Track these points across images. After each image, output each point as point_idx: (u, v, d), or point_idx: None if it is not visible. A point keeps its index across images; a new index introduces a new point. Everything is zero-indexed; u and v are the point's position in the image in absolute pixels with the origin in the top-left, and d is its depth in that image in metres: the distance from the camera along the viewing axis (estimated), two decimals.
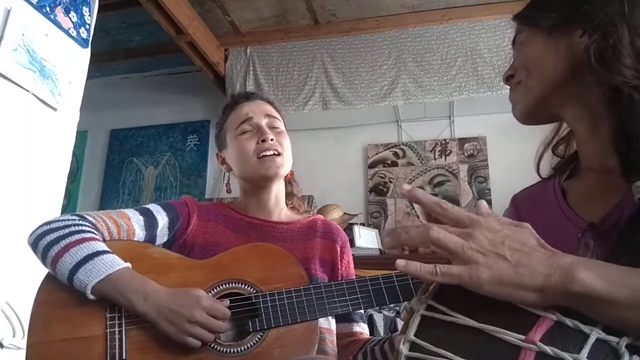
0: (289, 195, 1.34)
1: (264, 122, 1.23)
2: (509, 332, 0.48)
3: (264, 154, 1.18)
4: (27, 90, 1.82)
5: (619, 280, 0.48)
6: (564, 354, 0.45)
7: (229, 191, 1.31)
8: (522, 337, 0.47)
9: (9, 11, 1.77)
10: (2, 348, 1.65)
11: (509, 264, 0.51)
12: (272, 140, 1.20)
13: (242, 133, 1.22)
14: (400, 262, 0.53)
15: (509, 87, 0.85)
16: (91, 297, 0.96)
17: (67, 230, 1.01)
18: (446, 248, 0.53)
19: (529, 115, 0.81)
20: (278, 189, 1.27)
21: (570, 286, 0.48)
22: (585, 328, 0.47)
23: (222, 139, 1.28)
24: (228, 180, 1.31)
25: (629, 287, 0.48)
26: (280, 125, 1.27)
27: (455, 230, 0.54)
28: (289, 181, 1.35)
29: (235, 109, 1.27)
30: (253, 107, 1.25)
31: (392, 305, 2.31)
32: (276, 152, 1.20)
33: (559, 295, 0.49)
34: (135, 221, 1.11)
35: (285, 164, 1.22)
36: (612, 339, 0.46)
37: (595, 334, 0.46)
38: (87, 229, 1.04)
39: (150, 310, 0.95)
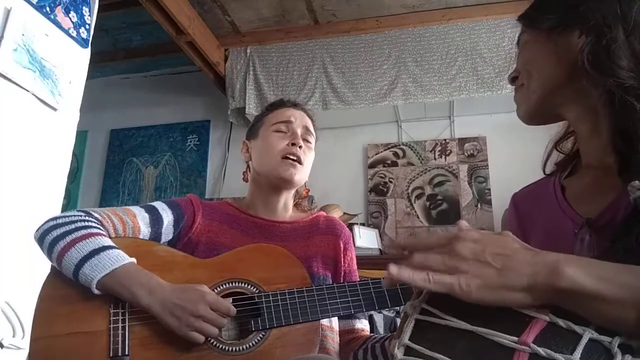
0: (296, 204, 1.36)
1: (300, 131, 1.27)
2: (502, 335, 0.48)
3: (288, 156, 1.22)
4: (27, 90, 1.83)
5: (606, 276, 0.49)
6: (557, 355, 0.45)
7: (245, 180, 1.34)
8: (515, 338, 0.47)
9: (9, 11, 1.77)
10: (2, 348, 1.65)
11: (493, 269, 0.52)
12: (300, 147, 1.23)
13: (277, 131, 1.26)
14: (393, 269, 0.54)
15: (512, 87, 0.85)
16: (96, 291, 0.96)
17: (73, 226, 1.02)
18: (430, 267, 0.54)
19: (532, 117, 0.82)
20: (288, 196, 1.29)
21: (557, 282, 0.49)
22: (578, 328, 0.47)
23: (256, 130, 1.32)
24: (246, 170, 1.35)
25: (617, 283, 0.48)
26: (312, 141, 1.31)
27: (438, 251, 0.56)
28: (301, 196, 1.37)
29: (279, 109, 1.32)
30: (297, 115, 1.30)
31: (392, 306, 2.31)
32: (299, 160, 1.23)
33: (546, 292, 0.49)
34: (140, 218, 1.13)
35: (301, 174, 1.25)
36: (605, 338, 0.46)
37: (588, 334, 0.46)
38: (93, 224, 1.05)
39: (154, 304, 0.95)
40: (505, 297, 0.50)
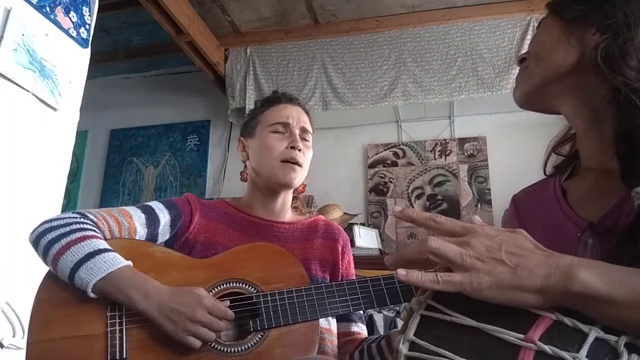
0: (294, 199, 1.35)
1: (298, 132, 1.25)
2: (508, 332, 0.48)
3: (288, 160, 1.20)
4: (27, 90, 1.82)
5: (618, 280, 0.48)
6: (563, 353, 0.45)
7: (243, 180, 1.32)
8: (521, 336, 0.47)
9: (9, 11, 1.77)
10: (2, 348, 1.65)
11: (507, 268, 0.51)
12: (299, 150, 1.22)
13: (275, 132, 1.24)
14: (401, 272, 0.54)
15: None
16: (92, 295, 0.96)
17: (68, 228, 1.01)
18: (445, 257, 0.53)
19: (526, 100, 0.82)
20: (286, 196, 1.28)
21: (570, 286, 0.48)
22: (584, 327, 0.47)
23: (251, 128, 1.29)
24: (244, 170, 1.33)
25: (627, 286, 0.48)
26: (310, 139, 1.29)
27: (453, 239, 0.54)
28: (298, 192, 1.36)
29: (276, 106, 1.28)
30: (294, 114, 1.27)
31: (392, 305, 2.31)
32: (298, 164, 1.22)
33: (558, 295, 0.49)
34: (136, 219, 1.12)
35: (301, 176, 1.24)
36: (611, 337, 0.46)
37: (594, 333, 0.46)
38: (89, 227, 1.04)
39: (151, 309, 0.95)
40: (516, 297, 0.50)
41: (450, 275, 0.52)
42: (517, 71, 0.85)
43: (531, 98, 0.81)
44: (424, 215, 0.58)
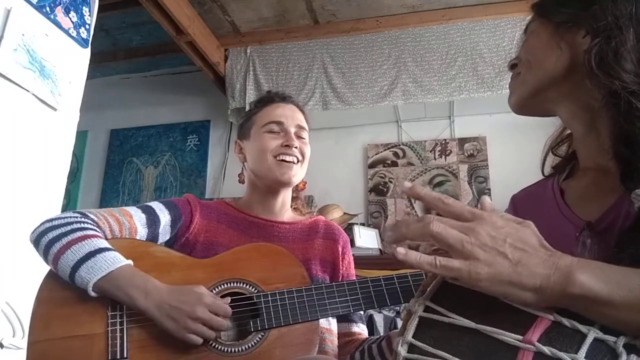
0: (294, 198, 1.35)
1: (292, 130, 1.24)
2: (507, 333, 0.48)
3: (282, 158, 1.20)
4: (27, 90, 1.82)
5: (616, 281, 0.48)
6: (562, 354, 0.45)
7: (241, 182, 1.32)
8: (520, 337, 0.47)
9: (9, 11, 1.77)
10: (2, 348, 1.65)
11: (508, 262, 0.50)
12: (295, 147, 1.21)
13: (269, 132, 1.23)
14: (401, 250, 0.52)
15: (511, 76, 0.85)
16: (93, 294, 0.96)
17: (69, 228, 1.02)
18: (446, 243, 0.52)
19: (522, 107, 0.81)
20: (285, 194, 1.28)
21: (569, 288, 0.48)
22: (582, 328, 0.47)
23: (247, 130, 1.29)
24: (242, 172, 1.33)
25: (626, 288, 0.48)
26: (306, 136, 1.28)
27: (457, 224, 0.53)
28: (298, 189, 1.36)
29: (269, 106, 1.28)
30: (287, 112, 1.26)
31: (392, 305, 2.30)
32: (295, 161, 1.21)
33: (556, 296, 0.49)
34: (137, 219, 1.12)
35: (300, 173, 1.24)
36: (610, 338, 0.46)
37: (592, 333, 0.46)
38: (89, 226, 1.04)
39: (151, 307, 0.95)
40: (512, 293, 0.50)
41: (449, 261, 0.51)
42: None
43: (526, 105, 0.80)
44: (433, 195, 0.56)
